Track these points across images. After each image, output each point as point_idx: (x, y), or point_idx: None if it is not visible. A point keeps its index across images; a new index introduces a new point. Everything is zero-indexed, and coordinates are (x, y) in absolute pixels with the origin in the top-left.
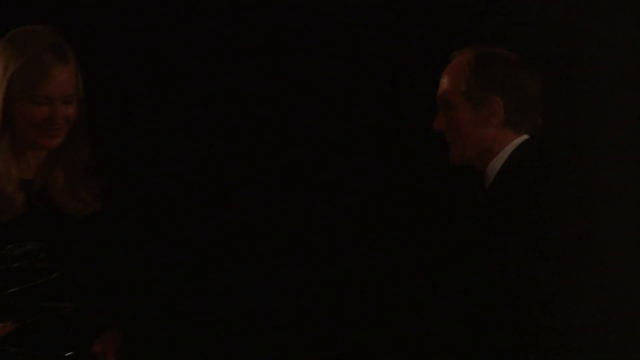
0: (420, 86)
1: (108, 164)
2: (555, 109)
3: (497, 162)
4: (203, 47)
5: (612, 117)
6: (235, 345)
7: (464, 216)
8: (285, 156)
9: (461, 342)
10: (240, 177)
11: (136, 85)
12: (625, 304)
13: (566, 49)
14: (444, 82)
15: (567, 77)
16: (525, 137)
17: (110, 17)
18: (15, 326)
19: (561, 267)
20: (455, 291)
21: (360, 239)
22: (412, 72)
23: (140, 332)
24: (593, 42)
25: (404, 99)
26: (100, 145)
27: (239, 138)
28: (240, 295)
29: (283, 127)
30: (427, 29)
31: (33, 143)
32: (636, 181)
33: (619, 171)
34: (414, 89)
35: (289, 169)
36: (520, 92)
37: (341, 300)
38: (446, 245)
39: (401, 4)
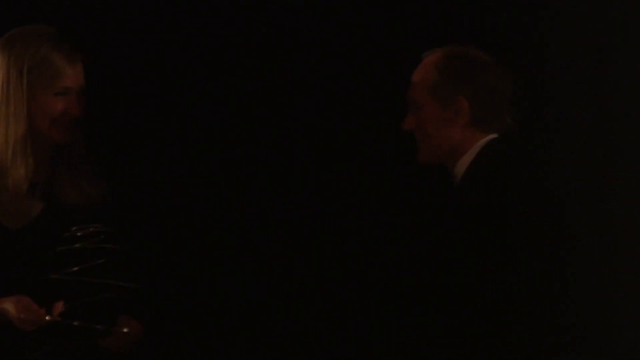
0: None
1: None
2: (530, 108)
3: (465, 161)
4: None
5: (578, 117)
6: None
7: (435, 215)
8: (274, 156)
9: (431, 337)
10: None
11: (136, 84)
12: (587, 301)
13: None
14: (413, 82)
15: (540, 77)
16: (493, 136)
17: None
18: (79, 303)
19: (522, 266)
20: (425, 289)
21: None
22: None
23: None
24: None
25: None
26: (102, 141)
27: (236, 136)
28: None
29: (277, 127)
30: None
31: (46, 140)
32: (600, 180)
33: (585, 171)
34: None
35: (282, 169)
36: (486, 91)
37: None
38: (419, 244)
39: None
